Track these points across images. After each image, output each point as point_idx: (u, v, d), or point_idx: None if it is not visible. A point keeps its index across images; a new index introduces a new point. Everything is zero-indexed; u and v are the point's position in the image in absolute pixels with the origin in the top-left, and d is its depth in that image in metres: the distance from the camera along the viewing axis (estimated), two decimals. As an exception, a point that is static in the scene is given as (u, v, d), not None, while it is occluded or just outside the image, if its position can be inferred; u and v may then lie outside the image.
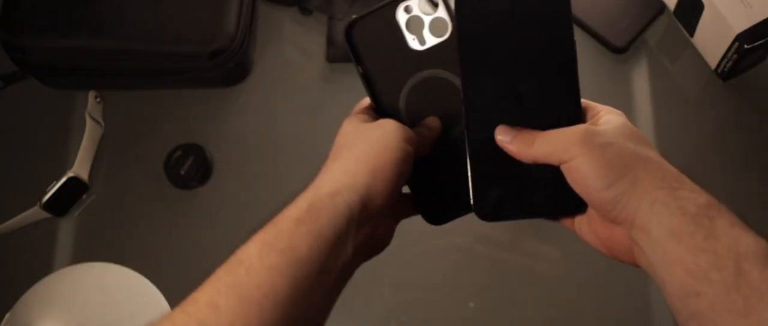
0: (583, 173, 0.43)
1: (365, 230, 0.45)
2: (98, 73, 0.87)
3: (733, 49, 0.82)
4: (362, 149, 0.46)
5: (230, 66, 0.86)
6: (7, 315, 0.79)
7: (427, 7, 0.51)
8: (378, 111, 0.52)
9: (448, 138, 0.51)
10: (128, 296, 0.80)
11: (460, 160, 0.49)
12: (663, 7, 0.91)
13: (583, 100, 0.48)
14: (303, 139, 0.88)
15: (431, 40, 0.51)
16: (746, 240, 0.39)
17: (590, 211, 0.46)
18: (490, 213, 0.48)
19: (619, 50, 0.89)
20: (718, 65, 0.86)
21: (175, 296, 0.80)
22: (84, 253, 0.84)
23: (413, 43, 0.51)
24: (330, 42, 0.90)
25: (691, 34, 0.89)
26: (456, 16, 0.49)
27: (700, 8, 0.84)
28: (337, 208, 0.43)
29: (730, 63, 0.84)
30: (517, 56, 0.48)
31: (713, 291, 0.38)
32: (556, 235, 0.82)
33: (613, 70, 0.90)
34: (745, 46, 0.80)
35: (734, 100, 0.88)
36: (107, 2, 0.84)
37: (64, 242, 0.86)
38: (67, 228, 0.86)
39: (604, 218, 0.44)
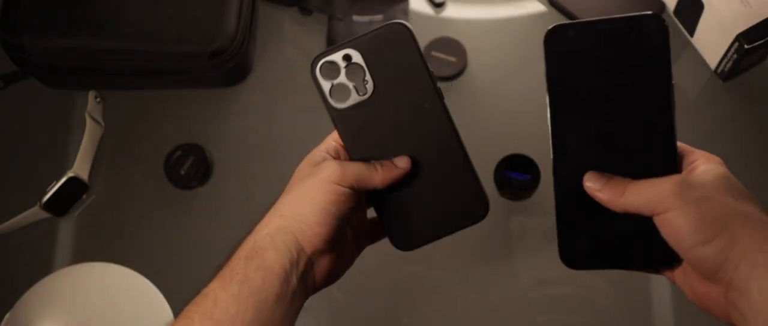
0: (677, 227, 0.41)
1: (307, 265, 0.48)
2: (98, 73, 0.87)
3: (733, 49, 0.82)
4: (297, 193, 0.49)
5: (230, 66, 0.86)
6: (7, 315, 0.79)
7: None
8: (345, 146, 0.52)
9: (418, 165, 0.50)
10: (128, 296, 0.80)
11: (433, 188, 0.49)
12: (663, 7, 0.91)
13: (679, 144, 0.46)
14: (303, 139, 0.87)
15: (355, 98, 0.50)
16: None
17: (686, 264, 0.44)
18: (575, 262, 0.47)
19: (619, 50, 0.89)
20: (718, 65, 0.86)
21: (175, 296, 0.80)
22: (84, 253, 0.84)
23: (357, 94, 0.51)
24: (330, 42, 0.90)
25: (691, 34, 0.89)
26: (545, 54, 0.47)
27: (700, 8, 0.84)
28: (277, 246, 0.47)
29: (730, 63, 0.84)
30: (610, 98, 0.46)
31: None
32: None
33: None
34: (745, 46, 0.80)
35: (734, 100, 0.88)
36: (107, 2, 0.85)
37: (64, 242, 0.86)
38: (67, 228, 0.86)
39: (700, 275, 0.42)
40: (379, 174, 0.49)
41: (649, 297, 0.80)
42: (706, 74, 0.88)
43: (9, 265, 0.85)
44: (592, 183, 0.45)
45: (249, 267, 0.46)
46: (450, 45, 0.89)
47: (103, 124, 0.89)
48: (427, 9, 0.93)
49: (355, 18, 0.91)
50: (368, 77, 0.50)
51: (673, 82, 0.45)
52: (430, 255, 0.81)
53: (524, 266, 0.82)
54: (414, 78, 0.49)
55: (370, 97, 0.50)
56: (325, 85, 0.51)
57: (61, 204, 0.85)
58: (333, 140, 0.53)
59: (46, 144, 0.90)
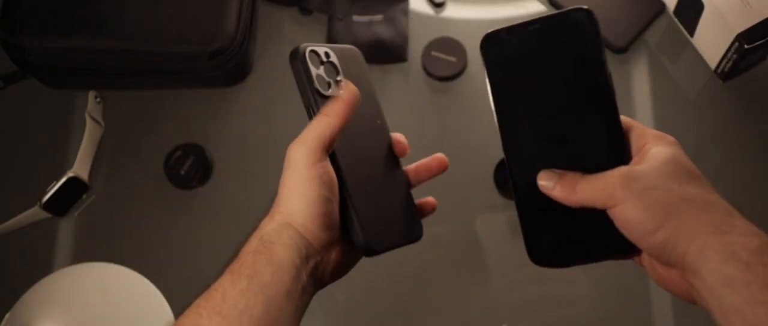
0: (626, 219, 0.42)
1: (316, 259, 0.48)
2: (98, 73, 0.87)
3: (733, 49, 0.82)
4: (288, 189, 0.49)
5: (230, 66, 0.86)
6: (7, 315, 0.79)
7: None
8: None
9: (375, 166, 0.52)
10: (128, 296, 0.80)
11: (383, 200, 0.51)
12: (663, 7, 0.91)
13: (632, 123, 0.47)
14: (303, 139, 0.88)
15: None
16: None
17: None
18: (544, 260, 0.48)
19: (619, 50, 0.89)
20: (718, 65, 0.86)
21: (175, 296, 0.80)
22: (84, 253, 0.84)
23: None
24: (330, 42, 0.90)
25: (691, 34, 0.89)
26: (484, 62, 0.48)
27: (700, 8, 0.84)
28: (284, 241, 0.46)
29: (730, 63, 0.84)
30: (551, 96, 0.46)
31: None
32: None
33: (613, 70, 0.89)
34: (745, 46, 0.80)
35: (734, 100, 0.88)
36: (107, 2, 0.84)
37: (64, 242, 0.86)
38: (67, 228, 0.86)
39: (658, 261, 0.43)
40: (331, 117, 0.50)
41: (649, 294, 0.80)
42: (706, 74, 0.88)
43: (9, 265, 0.85)
44: (545, 182, 0.46)
45: (258, 262, 0.45)
46: (450, 45, 0.89)
47: (103, 124, 0.89)
48: (427, 9, 0.93)
49: (355, 18, 0.91)
50: (341, 77, 0.53)
51: (609, 70, 0.46)
52: (430, 254, 0.81)
53: (523, 265, 0.82)
54: (369, 96, 0.53)
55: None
56: (313, 71, 0.52)
57: (61, 204, 0.85)
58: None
59: (46, 144, 0.90)
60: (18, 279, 0.82)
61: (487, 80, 0.47)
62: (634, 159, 0.45)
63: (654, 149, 0.44)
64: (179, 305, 0.79)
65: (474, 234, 0.83)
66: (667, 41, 0.90)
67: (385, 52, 0.89)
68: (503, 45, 0.47)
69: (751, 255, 0.39)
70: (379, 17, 0.91)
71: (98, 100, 0.89)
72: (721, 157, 0.86)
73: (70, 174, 0.84)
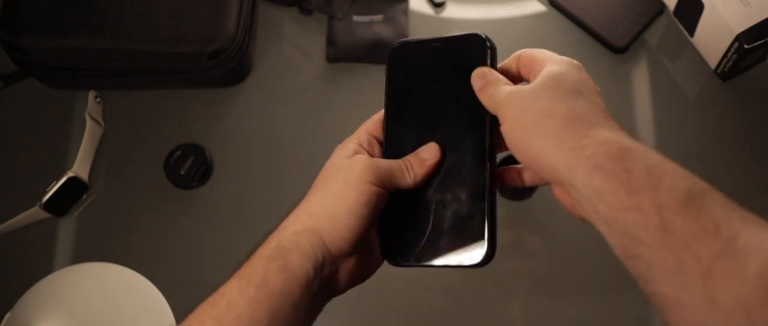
0: (507, 137, 0.44)
1: (332, 268, 0.46)
2: (98, 73, 0.87)
3: (733, 49, 0.82)
4: (327, 191, 0.46)
5: (230, 66, 0.86)
6: (7, 315, 0.79)
7: None
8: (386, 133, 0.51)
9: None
10: (128, 296, 0.80)
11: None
12: (663, 7, 0.91)
13: (533, 51, 0.48)
14: (303, 139, 0.88)
15: None
16: (666, 184, 0.37)
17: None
18: (394, 259, 0.49)
19: (619, 50, 0.89)
20: (718, 65, 0.86)
21: (175, 296, 0.80)
22: (84, 253, 0.84)
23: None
24: (330, 42, 0.90)
25: (691, 34, 0.89)
26: (386, 67, 0.52)
27: (700, 8, 0.84)
28: (302, 248, 0.44)
29: (730, 63, 0.84)
30: (433, 104, 0.49)
31: (646, 250, 0.37)
32: (554, 235, 0.82)
33: (613, 70, 0.90)
34: (745, 46, 0.80)
35: (734, 100, 0.88)
36: (107, 2, 0.84)
37: (64, 242, 0.86)
38: (67, 228, 0.86)
39: (547, 179, 0.44)
40: (410, 174, 0.48)
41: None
42: (706, 74, 0.88)
43: (9, 265, 0.85)
44: (476, 81, 0.47)
45: (270, 269, 0.43)
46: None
47: (103, 124, 0.89)
48: (427, 9, 0.93)
49: (355, 18, 0.91)
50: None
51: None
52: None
53: (522, 266, 0.82)
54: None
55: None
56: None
57: (61, 204, 0.85)
58: (366, 131, 0.50)
59: (46, 144, 0.90)
60: (18, 279, 0.82)
61: (385, 86, 0.51)
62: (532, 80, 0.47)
63: (545, 69, 0.46)
64: (179, 305, 0.80)
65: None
66: (667, 41, 0.90)
67: (385, 52, 0.89)
68: (407, 55, 0.52)
69: (614, 163, 0.39)
70: (379, 17, 0.91)
71: (98, 100, 0.89)
72: (721, 157, 0.86)
73: (70, 174, 0.84)
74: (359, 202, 0.45)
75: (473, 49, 0.49)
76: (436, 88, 0.50)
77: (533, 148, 0.42)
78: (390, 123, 0.51)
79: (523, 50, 0.49)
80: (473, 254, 0.46)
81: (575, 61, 0.46)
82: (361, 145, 0.50)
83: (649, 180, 0.38)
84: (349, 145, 0.49)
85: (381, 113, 0.51)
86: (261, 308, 0.42)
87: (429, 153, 0.48)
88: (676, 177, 0.38)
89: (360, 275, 0.49)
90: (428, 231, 0.47)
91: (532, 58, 0.47)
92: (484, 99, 0.46)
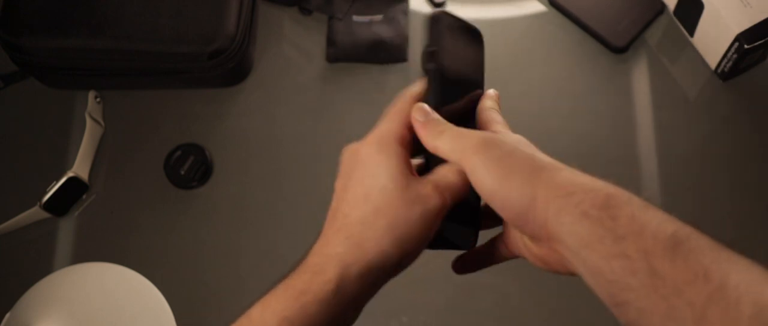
0: (479, 188, 0.42)
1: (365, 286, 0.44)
2: (98, 73, 0.87)
3: (733, 49, 0.82)
4: (383, 218, 0.43)
5: (230, 66, 0.86)
6: (7, 315, 0.79)
7: None
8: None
9: None
10: (128, 296, 0.80)
11: None
12: (663, 7, 0.91)
13: (488, 116, 0.48)
14: (303, 139, 0.88)
15: None
16: (651, 230, 0.37)
17: (520, 236, 0.46)
18: None
19: (619, 50, 0.89)
20: (718, 65, 0.86)
21: (175, 296, 0.80)
22: (84, 253, 0.84)
23: None
24: (330, 42, 0.90)
25: (691, 34, 0.89)
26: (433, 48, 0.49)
27: (700, 8, 0.84)
28: (342, 292, 0.42)
29: (730, 63, 0.84)
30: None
31: (636, 296, 0.37)
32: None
33: (613, 70, 0.90)
34: (745, 46, 0.80)
35: (734, 100, 0.88)
36: (107, 2, 0.84)
37: (64, 242, 0.86)
38: (67, 228, 0.86)
39: (527, 234, 0.43)
40: (454, 175, 0.45)
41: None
42: (706, 74, 0.88)
43: (9, 265, 0.85)
44: (417, 115, 0.45)
45: (308, 306, 0.42)
46: (450, 45, 0.89)
47: (103, 124, 0.89)
48: (427, 9, 0.93)
49: (355, 18, 0.91)
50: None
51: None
52: (430, 254, 0.81)
53: (522, 264, 0.82)
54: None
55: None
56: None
57: (61, 204, 0.85)
58: (398, 123, 0.46)
59: (46, 144, 0.90)
60: (18, 279, 0.82)
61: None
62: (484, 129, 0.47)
63: (501, 126, 0.46)
64: (179, 305, 0.80)
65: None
66: (667, 41, 0.90)
67: (385, 52, 0.89)
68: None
69: (600, 211, 0.38)
70: (379, 17, 0.91)
71: (98, 100, 0.89)
72: (720, 157, 0.86)
73: (70, 174, 0.84)
74: (425, 238, 0.44)
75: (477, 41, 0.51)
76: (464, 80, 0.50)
77: (521, 197, 0.41)
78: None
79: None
80: (466, 241, 0.47)
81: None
82: (399, 141, 0.45)
83: (635, 226, 0.38)
84: (389, 137, 0.45)
85: (402, 102, 0.47)
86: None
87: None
88: (660, 222, 0.38)
89: (397, 272, 0.46)
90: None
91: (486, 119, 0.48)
92: (448, 139, 0.44)
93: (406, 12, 0.92)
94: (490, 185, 0.42)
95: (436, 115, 0.45)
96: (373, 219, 0.43)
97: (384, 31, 0.90)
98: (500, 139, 0.44)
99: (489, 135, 0.45)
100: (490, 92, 0.50)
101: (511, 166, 0.42)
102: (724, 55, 0.84)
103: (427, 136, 0.45)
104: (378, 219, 0.43)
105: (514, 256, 0.48)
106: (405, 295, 0.82)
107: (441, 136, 0.44)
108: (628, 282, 0.37)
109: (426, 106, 0.46)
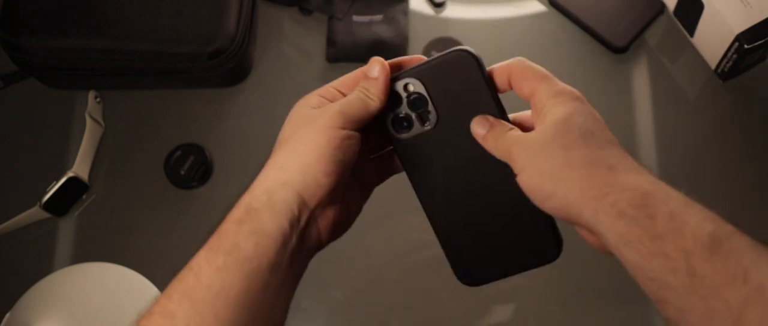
0: (525, 187, 0.43)
1: (310, 221, 0.44)
2: (98, 73, 0.87)
3: (733, 49, 0.82)
4: (298, 142, 0.45)
5: (230, 66, 0.86)
6: (7, 315, 0.79)
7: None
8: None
9: (483, 199, 0.48)
10: (128, 296, 0.80)
11: (500, 223, 0.47)
12: (663, 7, 0.91)
13: (526, 68, 0.46)
14: (303, 139, 0.88)
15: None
16: (690, 229, 0.37)
17: None
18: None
19: (619, 50, 0.89)
20: (718, 65, 0.86)
21: (175, 296, 0.80)
22: (84, 253, 0.84)
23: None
24: (330, 42, 0.90)
25: (691, 34, 0.89)
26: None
27: (700, 8, 0.84)
28: (274, 205, 0.43)
29: (730, 63, 0.84)
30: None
31: (675, 295, 0.37)
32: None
33: (613, 70, 0.90)
34: (745, 46, 0.80)
35: (734, 100, 0.88)
36: (107, 2, 0.84)
37: (64, 242, 0.86)
38: (67, 228, 0.86)
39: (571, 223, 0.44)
40: (371, 99, 0.46)
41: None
42: (706, 74, 0.88)
43: (9, 265, 0.85)
44: (477, 128, 0.46)
45: (240, 233, 0.42)
46: (450, 45, 0.89)
47: (103, 124, 0.89)
48: (427, 9, 0.93)
49: (355, 18, 0.91)
50: (431, 107, 0.47)
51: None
52: (429, 253, 0.81)
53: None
54: (479, 108, 0.47)
55: (433, 127, 0.48)
56: (387, 116, 0.48)
57: (61, 204, 0.85)
58: (332, 86, 0.49)
59: (46, 144, 0.90)
60: (18, 279, 0.82)
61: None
62: (536, 122, 0.45)
63: (550, 111, 0.43)
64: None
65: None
66: (667, 41, 0.90)
67: (385, 52, 0.89)
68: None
69: (636, 210, 0.39)
70: (379, 17, 0.91)
71: (98, 100, 0.89)
72: (721, 157, 0.86)
73: (70, 174, 0.84)
74: (332, 146, 0.44)
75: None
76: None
77: (555, 198, 0.41)
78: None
79: (515, 63, 0.46)
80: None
81: (575, 92, 0.45)
82: (324, 97, 0.48)
83: (673, 226, 0.38)
84: (312, 98, 0.48)
85: (352, 74, 0.49)
86: (232, 275, 0.40)
87: (374, 69, 0.47)
88: (700, 220, 0.38)
89: (340, 225, 0.47)
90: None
91: (524, 75, 0.45)
92: (490, 146, 0.45)
93: (406, 12, 0.92)
94: (530, 191, 0.43)
95: (494, 123, 0.46)
96: (282, 147, 0.46)
97: (384, 31, 0.90)
98: (528, 139, 0.43)
99: (523, 139, 0.44)
100: (513, 61, 0.47)
101: (543, 168, 0.42)
102: (724, 55, 0.84)
103: (492, 146, 0.46)
104: (282, 144, 0.46)
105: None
106: (404, 300, 0.82)
107: (498, 143, 0.45)
108: (668, 280, 0.37)
109: (482, 118, 0.46)
